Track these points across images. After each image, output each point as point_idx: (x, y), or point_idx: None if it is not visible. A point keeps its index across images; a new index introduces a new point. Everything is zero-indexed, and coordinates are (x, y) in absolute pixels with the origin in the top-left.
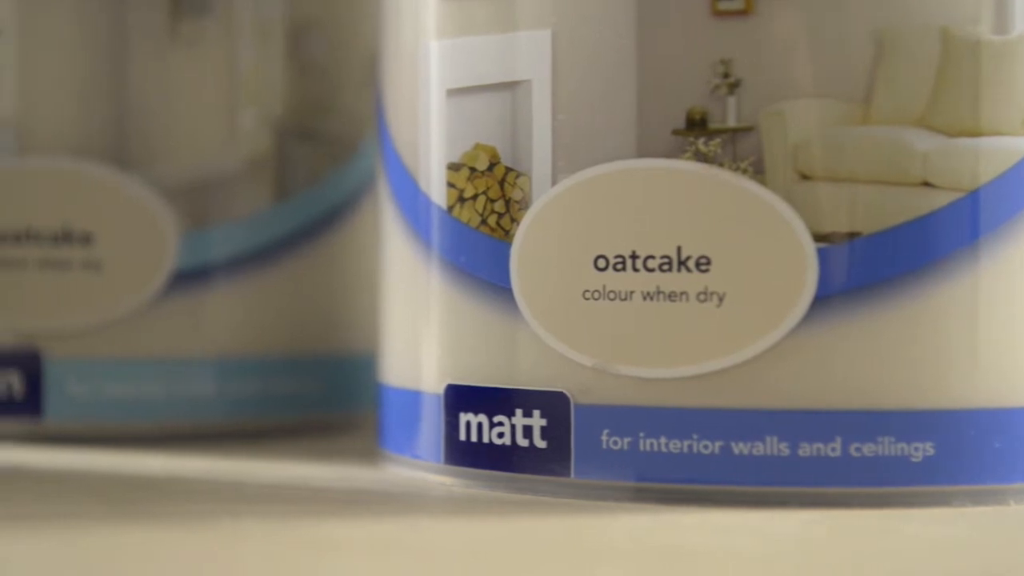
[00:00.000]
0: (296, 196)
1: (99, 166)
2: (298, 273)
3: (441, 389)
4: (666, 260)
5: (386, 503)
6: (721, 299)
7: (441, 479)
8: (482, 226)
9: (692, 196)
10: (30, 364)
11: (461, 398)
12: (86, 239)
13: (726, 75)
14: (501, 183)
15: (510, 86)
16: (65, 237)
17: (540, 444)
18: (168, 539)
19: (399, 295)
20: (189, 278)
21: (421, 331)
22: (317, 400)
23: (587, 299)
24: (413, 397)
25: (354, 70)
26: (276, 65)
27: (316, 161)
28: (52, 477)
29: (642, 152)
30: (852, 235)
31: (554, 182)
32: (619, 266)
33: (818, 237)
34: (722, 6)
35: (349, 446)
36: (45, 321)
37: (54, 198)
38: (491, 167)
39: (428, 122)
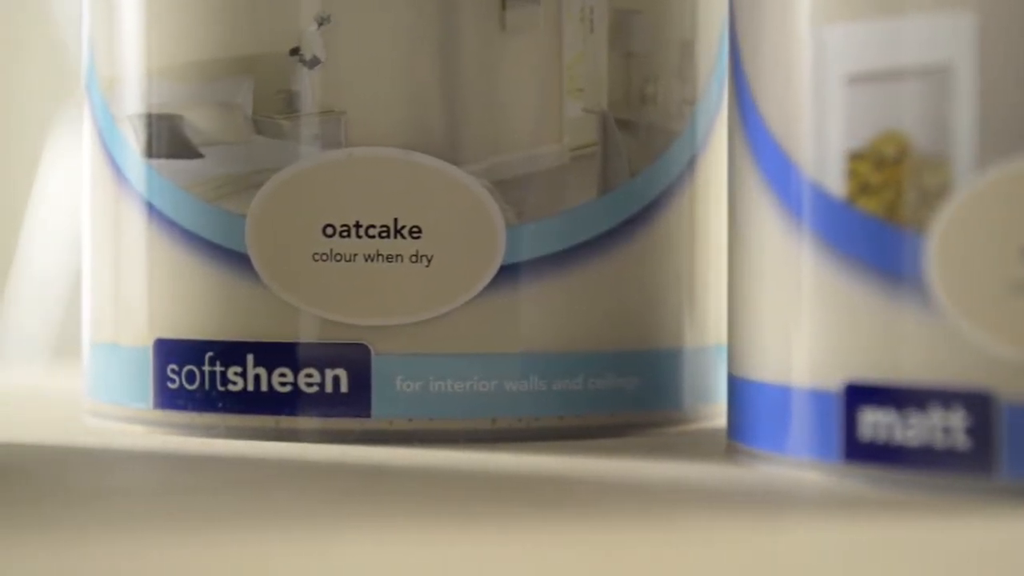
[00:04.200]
0: (616, 189)
1: (428, 157)
2: (616, 268)
3: (832, 384)
4: None
5: (785, 503)
6: None
7: (830, 478)
8: (890, 216)
9: None
10: (358, 361)
11: (865, 395)
12: (415, 232)
13: None
14: (914, 172)
15: (925, 71)
16: (394, 230)
17: (961, 444)
18: (575, 539)
19: (769, 287)
20: (514, 272)
21: (800, 324)
22: (635, 397)
23: (1018, 291)
24: (786, 392)
25: (670, 59)
26: (599, 54)
27: (635, 153)
28: (405, 475)
29: None
30: None
31: (981, 171)
32: None
33: None
34: None
35: (687, 442)
36: (373, 316)
37: (383, 191)
38: (901, 155)
39: (823, 110)
